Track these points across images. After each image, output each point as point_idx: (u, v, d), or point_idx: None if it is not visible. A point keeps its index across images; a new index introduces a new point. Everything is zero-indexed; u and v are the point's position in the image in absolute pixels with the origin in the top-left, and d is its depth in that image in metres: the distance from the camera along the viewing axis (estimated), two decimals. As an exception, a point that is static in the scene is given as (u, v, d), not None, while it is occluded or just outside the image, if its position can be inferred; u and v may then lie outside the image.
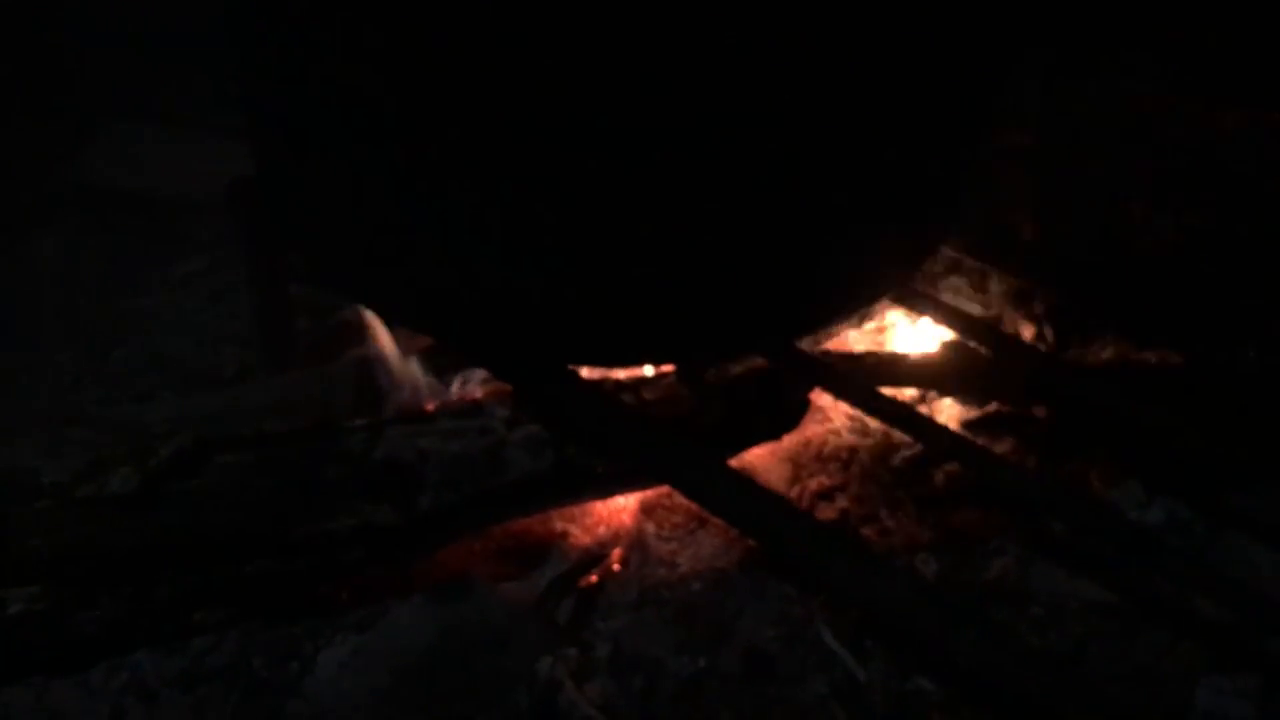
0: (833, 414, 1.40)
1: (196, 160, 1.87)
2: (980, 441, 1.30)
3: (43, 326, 1.67)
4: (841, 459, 1.35)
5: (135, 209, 1.89)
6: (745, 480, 0.93)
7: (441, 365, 1.29)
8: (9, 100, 2.13)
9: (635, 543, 1.24)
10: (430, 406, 1.19)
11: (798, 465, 1.34)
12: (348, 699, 1.07)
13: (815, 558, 0.88)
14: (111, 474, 1.08)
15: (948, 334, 1.44)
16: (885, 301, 1.38)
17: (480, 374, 1.27)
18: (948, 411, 1.41)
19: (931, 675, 1.07)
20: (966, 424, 1.38)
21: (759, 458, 1.33)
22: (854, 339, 1.51)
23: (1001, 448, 1.34)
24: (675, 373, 1.21)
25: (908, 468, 1.33)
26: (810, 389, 1.25)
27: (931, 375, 1.35)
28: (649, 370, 1.24)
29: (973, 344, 1.39)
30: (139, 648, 1.09)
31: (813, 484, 1.32)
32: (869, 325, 1.51)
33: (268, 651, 1.10)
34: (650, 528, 1.26)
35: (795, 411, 1.25)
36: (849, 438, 1.37)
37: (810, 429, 1.36)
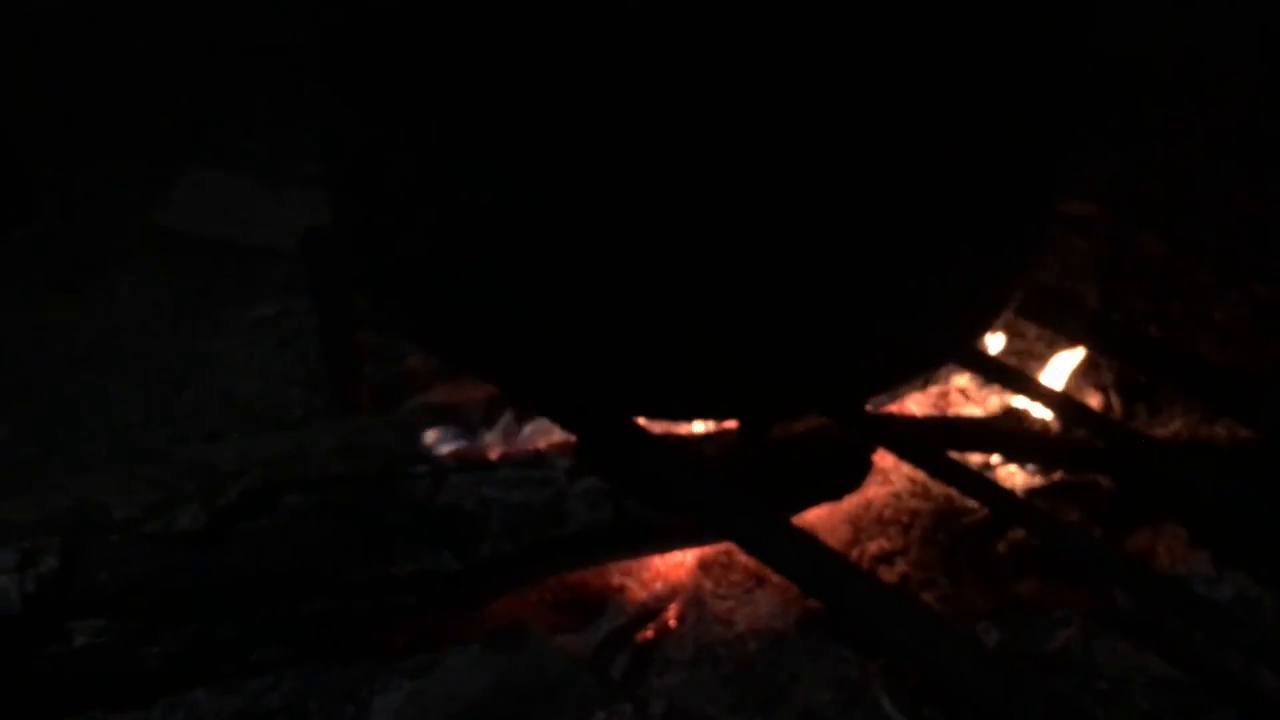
0: (894, 476, 1.39)
1: (271, 208, 1.92)
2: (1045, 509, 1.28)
3: (115, 365, 1.71)
4: (902, 522, 1.33)
5: (209, 253, 1.93)
6: (809, 538, 0.93)
7: (492, 416, 1.30)
8: (93, 143, 2.20)
9: (692, 599, 1.24)
10: (493, 455, 1.20)
11: (858, 527, 1.33)
12: (401, 745, 1.07)
13: (879, 620, 0.87)
14: (180, 511, 1.10)
15: (1013, 400, 1.43)
16: (950, 365, 1.38)
17: (543, 424, 1.28)
18: (1012, 479, 1.39)
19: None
20: (1031, 492, 1.36)
21: (819, 518, 1.32)
22: (917, 402, 1.50)
23: (1067, 517, 1.32)
24: (738, 429, 1.21)
25: (970, 533, 1.31)
26: (873, 450, 1.24)
27: (996, 440, 1.33)
28: (711, 426, 1.24)
29: (1038, 411, 1.38)
30: (198, 685, 1.10)
31: (872, 546, 1.30)
32: (932, 388, 1.50)
33: (324, 694, 1.11)
34: (708, 584, 1.26)
35: (858, 472, 1.25)
36: (910, 501, 1.36)
37: (871, 490, 1.35)
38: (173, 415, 1.57)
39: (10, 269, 1.96)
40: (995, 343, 1.46)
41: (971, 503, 1.31)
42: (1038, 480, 1.39)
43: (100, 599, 1.06)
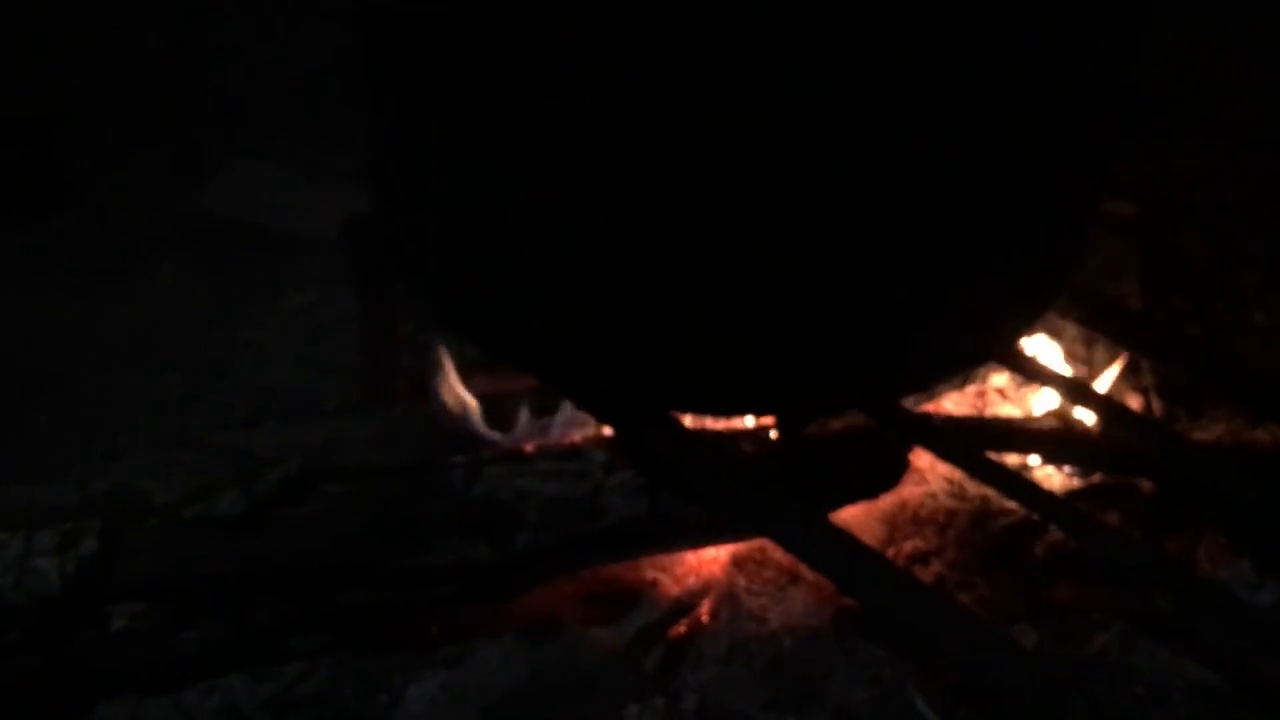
0: (930, 476, 1.38)
1: (308, 198, 1.93)
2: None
3: (154, 352, 1.72)
4: (938, 522, 1.33)
5: (247, 242, 1.94)
6: (847, 536, 0.92)
7: (542, 407, 1.30)
8: (132, 133, 2.22)
9: (725, 595, 1.23)
10: (530, 448, 1.20)
11: (893, 527, 1.32)
12: (434, 735, 1.07)
13: (917, 619, 0.86)
14: (219, 497, 1.10)
15: (1052, 400, 1.42)
16: (988, 365, 1.37)
17: (580, 417, 1.28)
18: (1050, 481, 1.38)
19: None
20: (1070, 494, 1.35)
21: (853, 517, 1.31)
22: (954, 401, 1.49)
23: (1106, 520, 1.30)
24: (774, 426, 1.21)
25: (1006, 535, 1.30)
26: (910, 449, 1.23)
27: (1035, 441, 1.32)
28: (749, 422, 1.24)
29: (1078, 412, 1.36)
30: (233, 671, 1.10)
31: (908, 546, 1.29)
32: (970, 387, 1.49)
33: (358, 682, 1.11)
34: (741, 581, 1.25)
35: (895, 471, 1.24)
36: (946, 501, 1.35)
37: (907, 490, 1.34)
38: (210, 402, 1.58)
39: (51, 258, 1.98)
40: (1035, 343, 1.45)
41: (1008, 504, 1.30)
42: (1076, 482, 1.37)
43: (139, 583, 1.07)
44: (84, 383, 1.64)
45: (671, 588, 1.25)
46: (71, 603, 1.04)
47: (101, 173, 2.15)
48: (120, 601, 1.07)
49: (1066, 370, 1.44)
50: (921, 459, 1.33)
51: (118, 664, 1.07)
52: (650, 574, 1.26)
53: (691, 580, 1.26)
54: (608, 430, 1.21)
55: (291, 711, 1.08)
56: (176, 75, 2.24)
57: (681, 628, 1.19)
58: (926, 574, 1.26)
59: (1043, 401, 1.43)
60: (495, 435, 1.29)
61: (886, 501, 1.32)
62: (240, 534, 1.09)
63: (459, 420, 1.31)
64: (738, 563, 1.27)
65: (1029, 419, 1.37)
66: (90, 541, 1.05)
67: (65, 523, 1.07)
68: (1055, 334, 1.47)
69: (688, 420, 1.15)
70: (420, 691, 1.10)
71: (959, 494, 1.35)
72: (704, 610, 1.21)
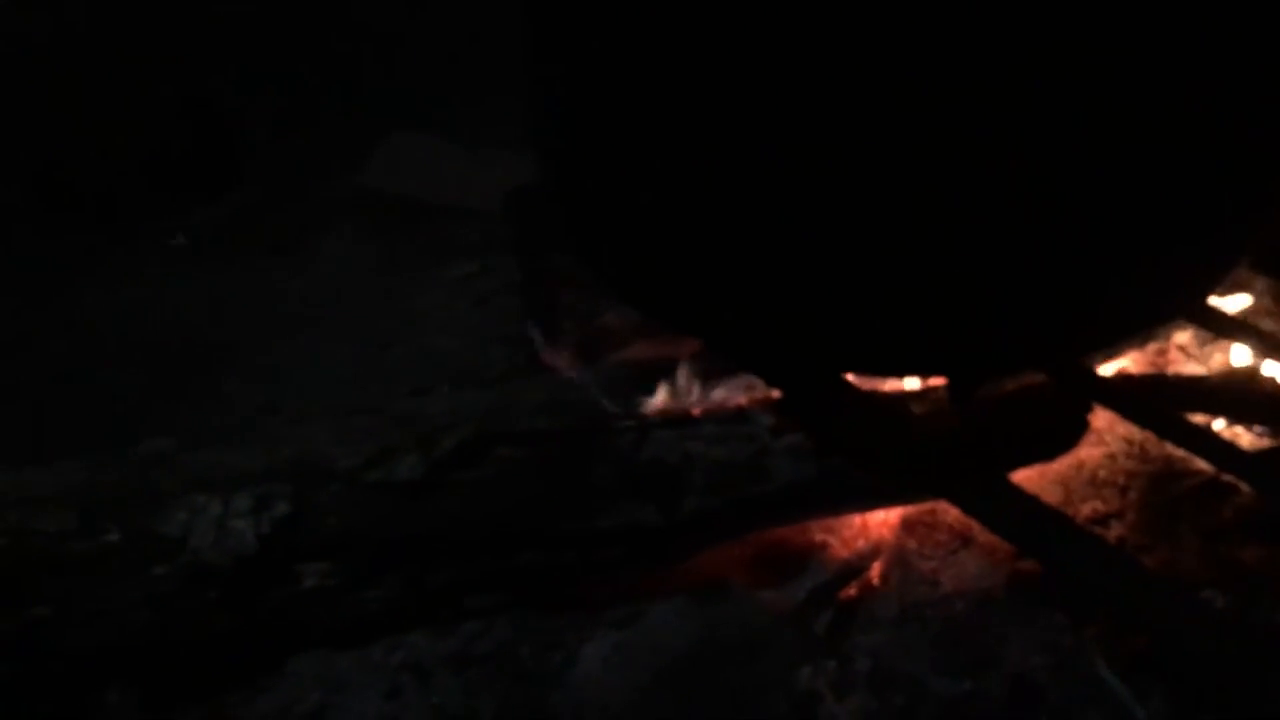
0: (1108, 437, 1.33)
1: (469, 169, 1.97)
2: (1276, 474, 1.20)
3: (325, 323, 1.79)
4: (1118, 484, 1.28)
5: (411, 215, 1.99)
6: (1028, 497, 0.90)
7: (706, 370, 1.30)
8: (299, 110, 2.30)
9: (896, 558, 1.22)
10: (696, 411, 1.20)
11: (1069, 489, 1.28)
12: (608, 694, 1.09)
13: (1105, 583, 0.84)
14: (398, 462, 1.14)
15: (1241, 357, 1.35)
16: (1174, 321, 1.31)
17: (745, 380, 1.27)
18: (1239, 441, 1.31)
19: (1222, 718, 1.00)
20: (1259, 455, 1.29)
21: (1026, 480, 1.27)
22: (1134, 359, 1.43)
23: (1300, 481, 1.24)
24: (946, 387, 1.18)
25: (1192, 497, 1.25)
26: (1089, 409, 1.19)
27: (1221, 400, 1.26)
28: (917, 384, 1.21)
29: (1268, 369, 1.30)
30: (415, 628, 1.14)
31: (1085, 509, 1.25)
32: (1151, 345, 1.43)
33: (533, 641, 1.14)
34: (911, 544, 1.23)
35: (1073, 432, 1.20)
36: (1126, 462, 1.30)
37: (1084, 452, 1.30)
38: (381, 371, 1.64)
39: (224, 233, 2.07)
40: (1223, 298, 1.38)
41: (1192, 465, 1.25)
42: (1265, 443, 1.31)
43: (326, 544, 1.11)
44: (263, 353, 1.71)
45: (840, 550, 1.24)
46: (265, 562, 1.09)
47: (271, 151, 2.24)
48: (310, 561, 1.11)
49: (1256, 325, 1.37)
50: (1099, 419, 1.28)
51: (309, 620, 1.12)
52: (818, 537, 1.25)
53: (860, 543, 1.24)
54: (774, 393, 1.20)
55: (472, 667, 1.12)
56: (342, 53, 2.31)
57: (851, 590, 1.18)
58: (1107, 537, 1.21)
59: (1230, 358, 1.36)
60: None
61: (1062, 464, 1.28)
62: (419, 497, 1.13)
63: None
64: (907, 525, 1.25)
65: (1214, 377, 1.31)
66: (282, 504, 1.10)
67: (257, 486, 1.12)
68: (1245, 288, 1.40)
69: (857, 382, 1.14)
70: (594, 651, 1.12)
71: (1140, 455, 1.30)
72: (874, 573, 1.20)
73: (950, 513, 1.24)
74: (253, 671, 1.12)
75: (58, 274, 1.94)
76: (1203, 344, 1.41)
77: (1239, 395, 1.26)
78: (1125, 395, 1.10)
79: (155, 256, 2.00)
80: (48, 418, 1.59)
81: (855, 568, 1.21)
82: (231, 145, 2.26)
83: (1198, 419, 1.31)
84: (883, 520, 1.25)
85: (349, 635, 1.13)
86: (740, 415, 1.19)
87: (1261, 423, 1.30)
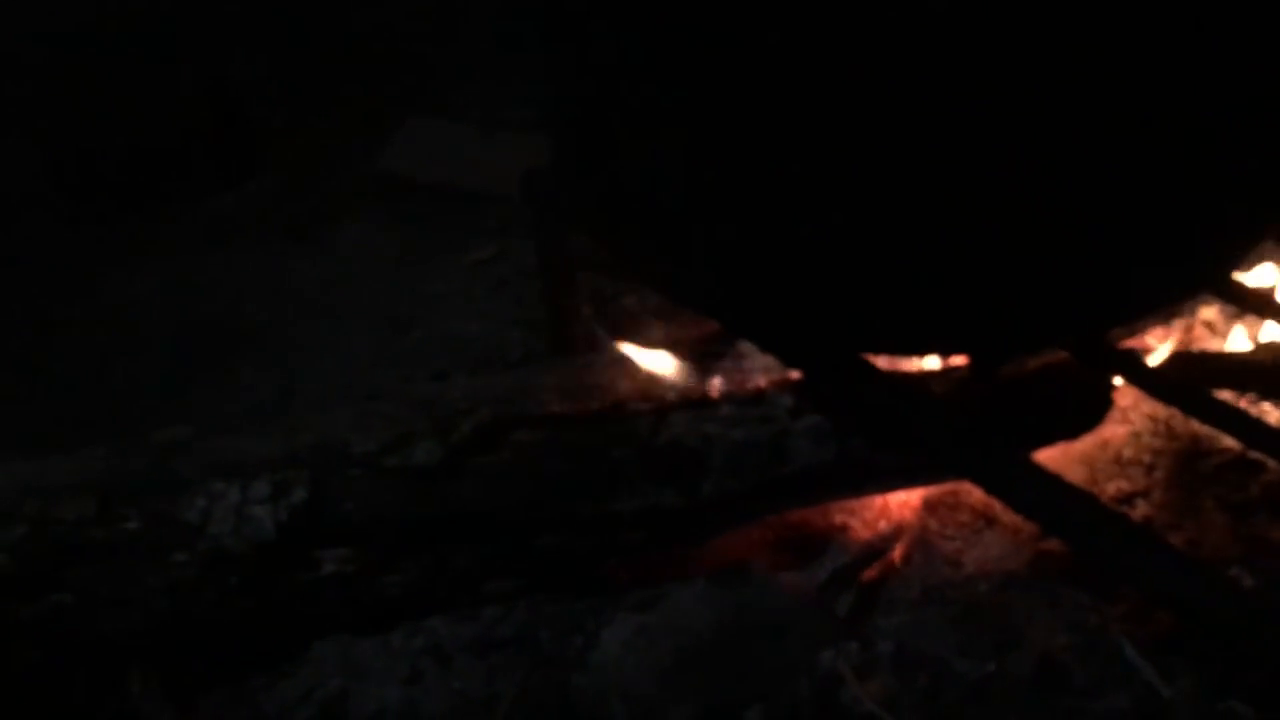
0: (1133, 415, 1.31)
1: (486, 153, 1.96)
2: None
3: (343, 308, 1.79)
4: (1143, 463, 1.26)
5: (428, 199, 1.99)
6: (1052, 476, 0.88)
7: (711, 353, 1.28)
8: (316, 97, 2.29)
9: (917, 539, 1.21)
10: (714, 393, 1.19)
11: (1093, 468, 1.27)
12: (630, 677, 1.08)
13: (1133, 562, 0.82)
14: (416, 447, 1.13)
15: (1268, 333, 1.33)
16: (1200, 296, 1.29)
17: (761, 362, 1.26)
18: (1266, 418, 1.29)
19: (1250, 698, 0.99)
20: (1288, 432, 1.27)
21: (1050, 458, 1.26)
22: (1159, 336, 1.41)
23: (1330, 458, 1.22)
24: (967, 365, 1.17)
25: (1219, 474, 1.23)
26: (1113, 386, 1.18)
27: (1249, 376, 1.25)
28: (938, 363, 1.20)
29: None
30: (435, 613, 1.14)
31: (1111, 488, 1.24)
32: (1176, 321, 1.41)
33: (553, 625, 1.14)
34: (933, 525, 1.23)
35: (1097, 409, 1.18)
36: (1152, 440, 1.29)
37: (1108, 430, 1.29)
38: (399, 356, 1.64)
39: (243, 220, 2.07)
40: (1252, 273, 1.36)
41: (1219, 443, 1.23)
42: (1294, 419, 1.29)
43: (345, 529, 1.11)
44: (281, 339, 1.71)
45: (861, 532, 1.23)
46: (285, 549, 1.09)
47: (289, 137, 2.24)
48: (329, 547, 1.11)
49: (1283, 300, 1.35)
50: (1124, 397, 1.27)
51: (329, 606, 1.12)
52: (839, 518, 1.24)
53: (882, 524, 1.23)
54: (793, 374, 1.19)
55: (493, 652, 1.12)
56: (357, 39, 2.31)
57: (873, 572, 1.18)
58: (1132, 516, 1.20)
59: (1257, 334, 1.34)
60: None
61: (1086, 442, 1.27)
62: (437, 481, 1.12)
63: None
64: (929, 506, 1.24)
65: (1241, 353, 1.29)
66: (300, 490, 1.10)
67: (275, 472, 1.12)
68: (1271, 261, 1.38)
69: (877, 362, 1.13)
70: (614, 634, 1.12)
71: (1166, 432, 1.29)
72: (896, 554, 1.19)
73: (973, 493, 1.23)
74: (274, 657, 1.13)
75: (77, 262, 1.95)
76: (1229, 319, 1.39)
77: (1266, 371, 1.25)
78: (1150, 372, 1.08)
79: (174, 244, 2.00)
80: (67, 405, 1.59)
81: (877, 549, 1.20)
82: (250, 133, 2.27)
83: (1224, 395, 1.29)
84: (904, 501, 1.24)
85: (369, 620, 1.14)
86: (759, 396, 1.18)
87: (1291, 399, 1.29)
